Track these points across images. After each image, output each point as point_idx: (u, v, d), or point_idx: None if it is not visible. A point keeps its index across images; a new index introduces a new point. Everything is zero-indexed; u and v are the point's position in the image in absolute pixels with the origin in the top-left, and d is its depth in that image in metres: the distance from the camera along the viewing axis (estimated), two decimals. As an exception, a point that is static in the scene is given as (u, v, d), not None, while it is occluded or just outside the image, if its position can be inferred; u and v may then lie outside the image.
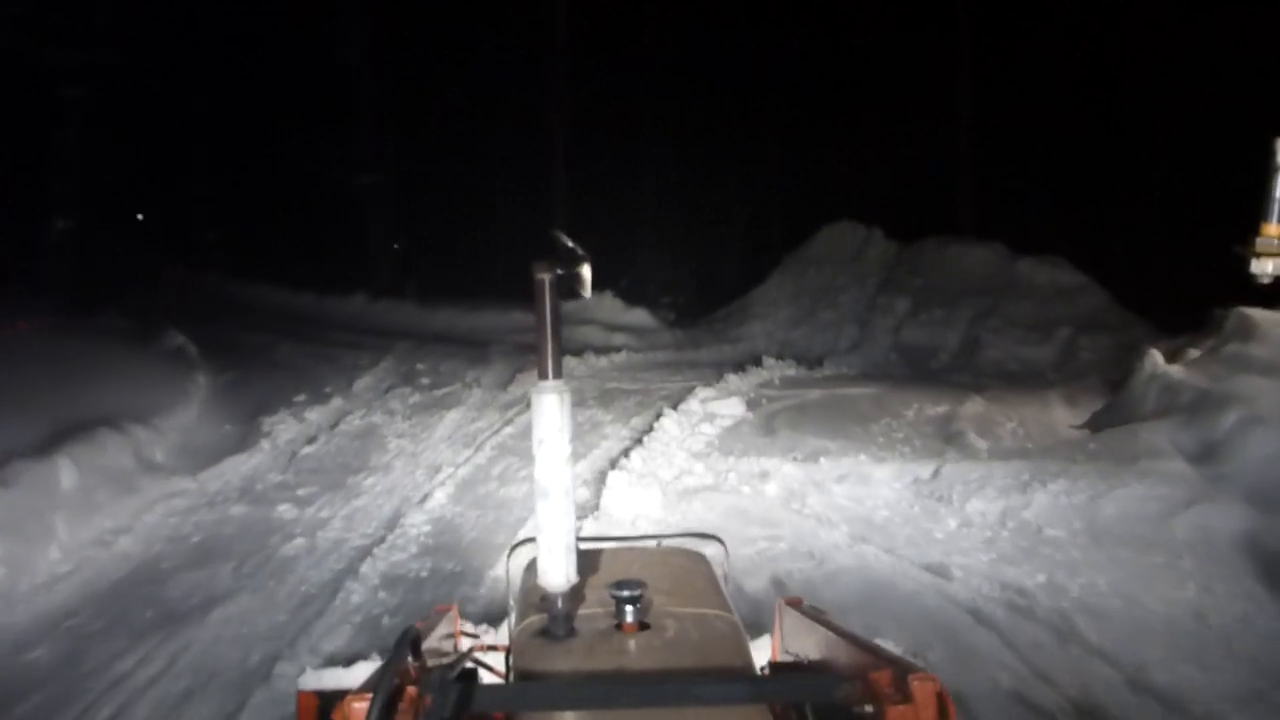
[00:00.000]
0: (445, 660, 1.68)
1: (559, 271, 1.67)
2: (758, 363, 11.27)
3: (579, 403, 9.12)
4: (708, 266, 16.83)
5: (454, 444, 7.80)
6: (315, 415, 8.73)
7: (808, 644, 1.81)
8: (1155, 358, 7.80)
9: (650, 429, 7.68)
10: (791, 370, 10.54)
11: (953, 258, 13.91)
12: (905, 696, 1.22)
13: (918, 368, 12.12)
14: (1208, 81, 13.26)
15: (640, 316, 13.53)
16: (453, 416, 8.62)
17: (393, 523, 5.99)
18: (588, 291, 1.75)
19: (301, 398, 9.37)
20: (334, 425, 8.51)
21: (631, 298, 14.46)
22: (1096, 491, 5.86)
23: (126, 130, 17.52)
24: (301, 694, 1.73)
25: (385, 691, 1.15)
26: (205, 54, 17.36)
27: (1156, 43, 13.77)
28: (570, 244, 1.78)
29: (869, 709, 1.27)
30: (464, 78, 16.22)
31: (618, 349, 11.70)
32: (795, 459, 6.83)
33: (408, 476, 6.99)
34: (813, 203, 15.91)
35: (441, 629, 1.88)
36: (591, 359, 11.10)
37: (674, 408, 8.37)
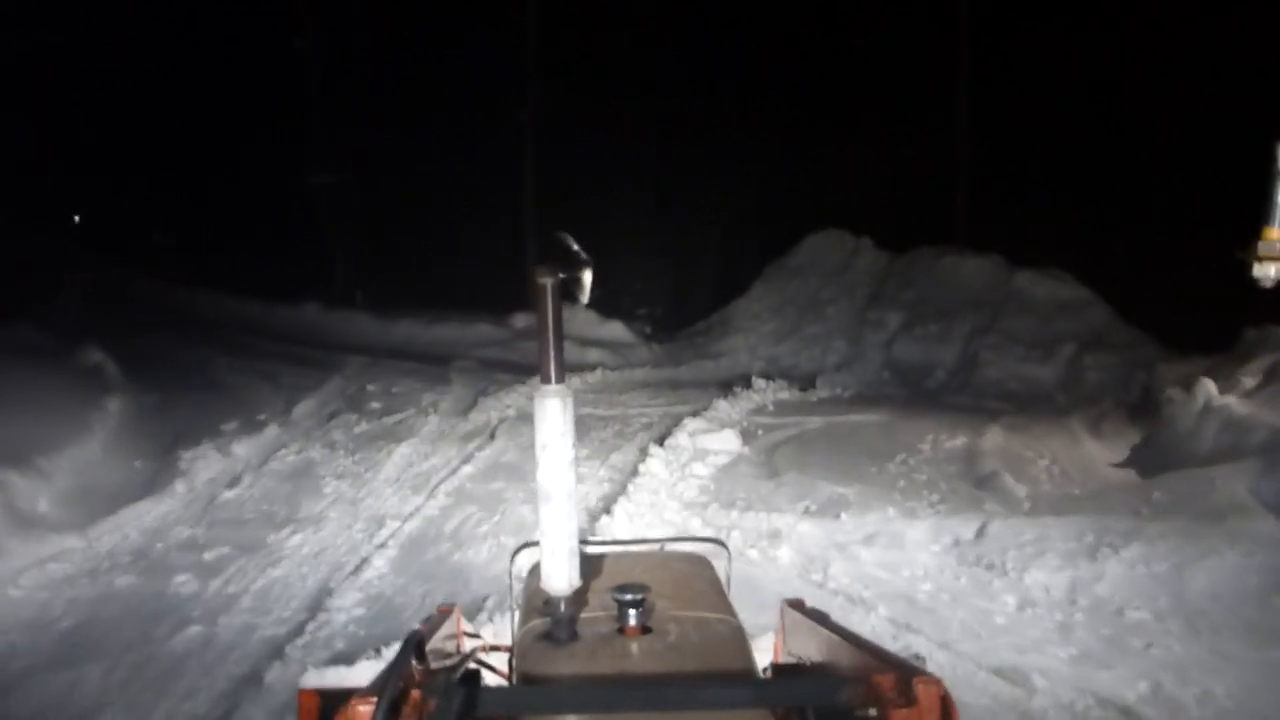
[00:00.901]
0: (449, 662, 1.70)
1: (561, 275, 1.62)
2: (746, 383, 10.10)
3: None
4: (685, 276, 15.62)
5: (402, 488, 6.50)
6: (244, 449, 7.38)
7: (810, 646, 1.76)
8: (1208, 388, 6.73)
9: (634, 471, 6.45)
10: (785, 393, 9.37)
11: (947, 269, 12.83)
12: (909, 700, 1.19)
13: (914, 387, 11.03)
14: (1209, 84, 12.32)
15: (616, 330, 12.29)
16: (403, 451, 7.31)
17: (317, 603, 4.70)
18: (586, 297, 1.69)
19: (231, 425, 8.01)
20: (264, 462, 7.16)
21: (606, 309, 13.22)
22: (1181, 559, 4.73)
23: (60, 125, 15.99)
24: (303, 693, 1.63)
25: (389, 696, 1.13)
26: (147, 42, 15.81)
27: (1157, 44, 12.80)
28: (574, 247, 1.70)
29: (872, 713, 1.24)
30: (429, 74, 14.87)
31: (592, 367, 10.45)
32: (810, 512, 5.63)
33: (343, 533, 5.68)
34: (797, 209, 14.77)
35: (444, 630, 1.80)
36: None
37: (659, 442, 7.15)
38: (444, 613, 1.97)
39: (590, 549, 1.88)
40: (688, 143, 15.02)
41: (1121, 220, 13.10)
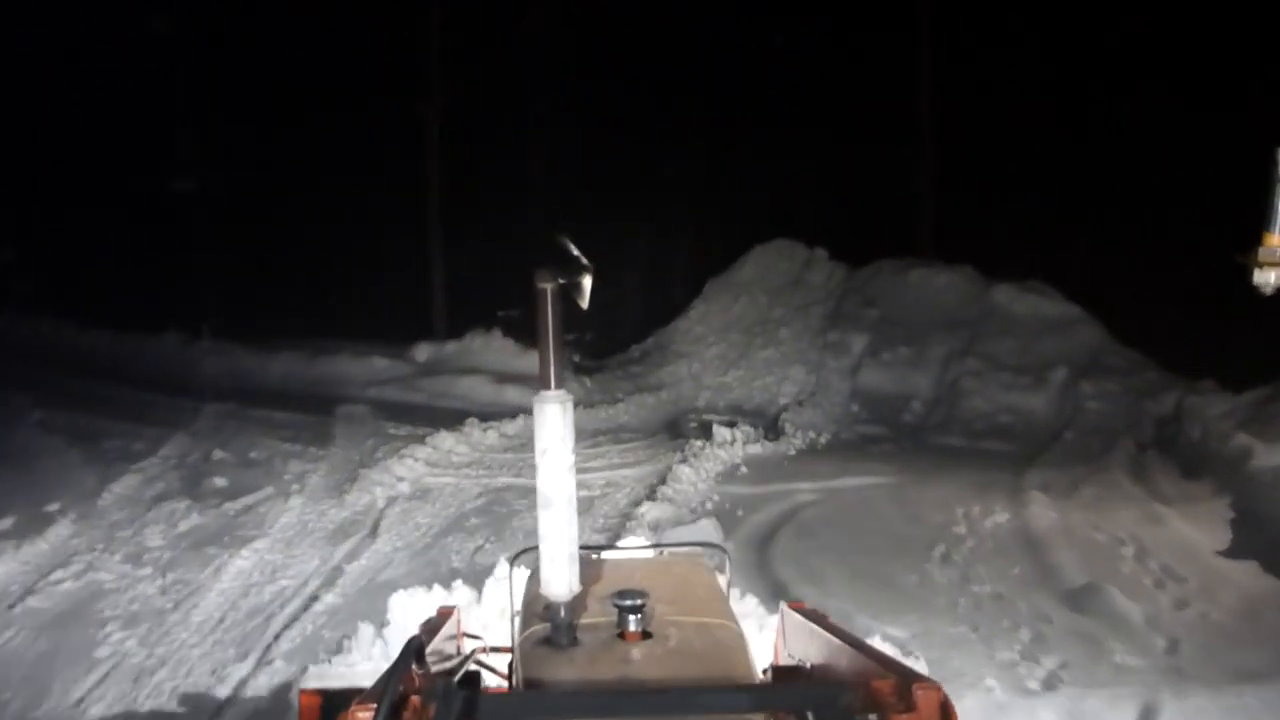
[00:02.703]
0: (449, 664, 1.66)
1: (560, 280, 1.54)
2: (701, 428, 8.01)
3: (446, 529, 5.54)
4: (614, 294, 13.39)
5: (222, 642, 4.11)
6: (4, 567, 4.89)
7: (810, 648, 1.71)
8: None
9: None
10: (755, 446, 7.24)
11: (915, 284, 10.97)
12: (908, 705, 1.15)
13: (890, 423, 9.11)
14: (1195, 86, 10.84)
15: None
16: (240, 566, 4.91)
17: None
18: (586, 302, 1.59)
19: (6, 524, 5.49)
20: (28, 591, 4.67)
21: (526, 335, 10.93)
22: None
23: None
24: (303, 693, 1.63)
25: (389, 701, 1.10)
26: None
27: (1133, 44, 11.25)
28: (575, 251, 1.58)
29: (872, 717, 1.20)
30: (313, 61, 12.31)
31: (511, 413, 8.14)
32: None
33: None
34: (738, 217, 12.75)
35: (445, 632, 1.73)
36: (475, 431, 7.50)
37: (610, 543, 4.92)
38: (444, 614, 1.87)
39: (590, 554, 1.83)
40: (611, 140, 12.82)
41: (1095, 231, 11.47)
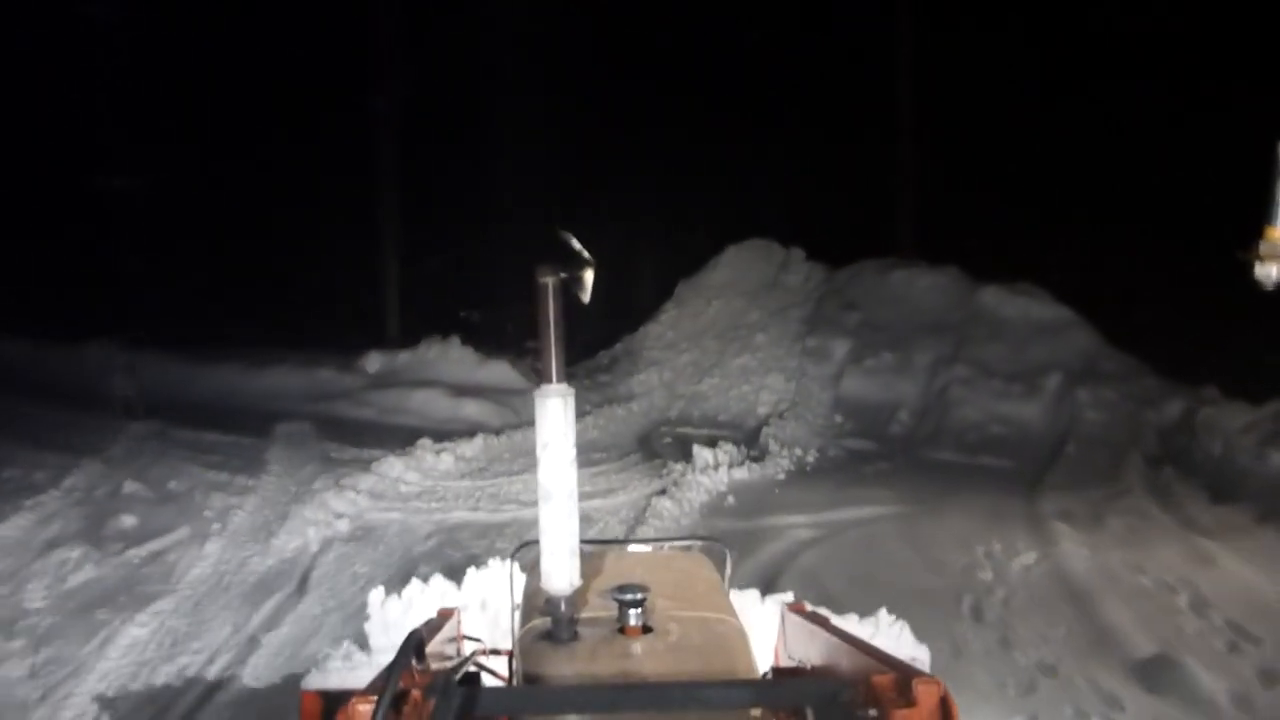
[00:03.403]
0: (449, 664, 1.58)
1: (562, 275, 1.54)
2: (679, 445, 7.23)
3: (389, 581, 4.66)
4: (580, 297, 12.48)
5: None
6: None
7: (810, 649, 1.68)
8: None
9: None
10: (742, 470, 6.43)
11: (898, 285, 10.29)
12: (909, 700, 1.13)
13: (876, 434, 8.42)
14: (1163, 86, 10.31)
15: (500, 373, 9.08)
16: (134, 636, 3.98)
17: None
18: (587, 296, 1.59)
19: None
20: None
21: (485, 341, 10.05)
22: None
23: None
24: (305, 693, 1.61)
25: (389, 695, 1.07)
26: None
27: (1120, 33, 10.67)
28: (576, 246, 1.59)
29: (872, 713, 1.18)
30: (260, 52, 11.29)
31: (469, 432, 7.25)
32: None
33: None
34: (710, 216, 11.97)
35: (445, 633, 1.68)
36: (427, 455, 6.60)
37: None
38: (444, 615, 1.82)
39: (591, 549, 1.78)
40: (576, 136, 11.96)
41: (1084, 230, 10.87)
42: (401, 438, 7.15)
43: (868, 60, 11.27)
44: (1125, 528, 5.18)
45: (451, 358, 9.22)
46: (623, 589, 1.54)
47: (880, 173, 11.25)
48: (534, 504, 4.80)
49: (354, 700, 1.10)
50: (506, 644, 1.82)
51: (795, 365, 9.82)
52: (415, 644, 1.22)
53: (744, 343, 10.39)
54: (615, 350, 11.09)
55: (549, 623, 1.52)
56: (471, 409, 8.23)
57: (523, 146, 11.67)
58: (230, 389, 9.26)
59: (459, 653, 1.83)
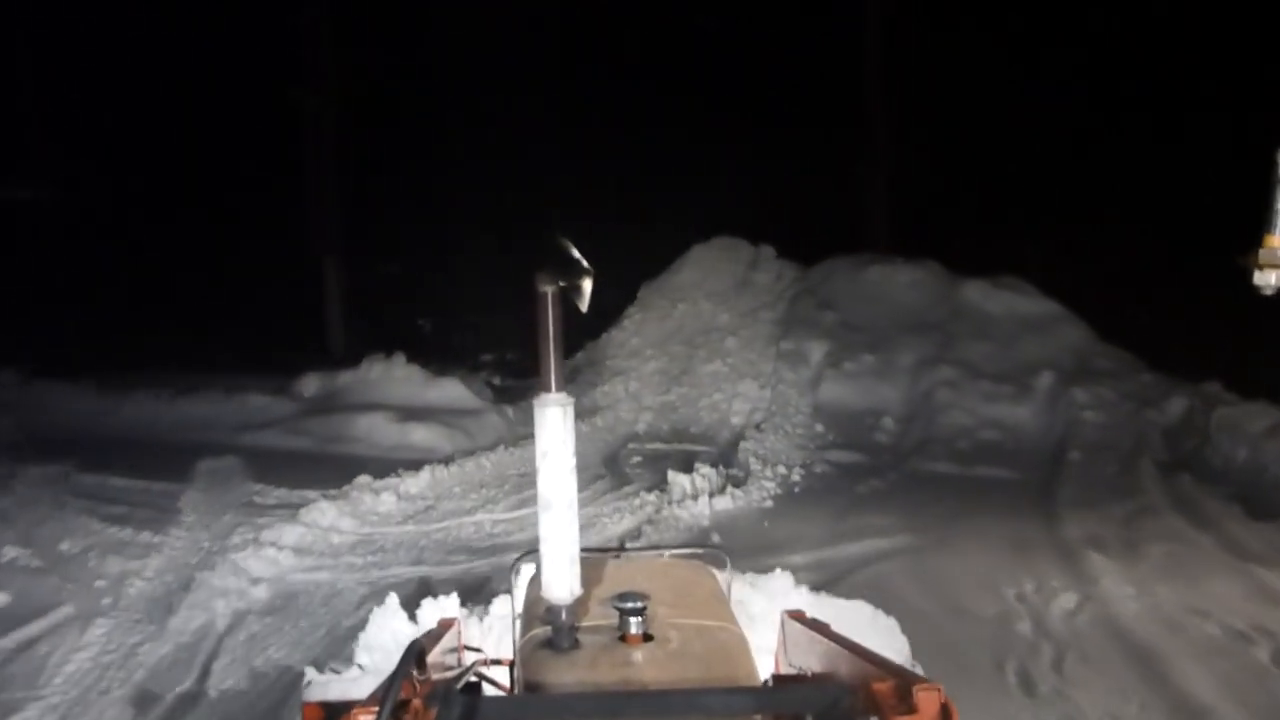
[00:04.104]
0: (449, 674, 1.61)
1: (560, 284, 1.52)
2: (655, 471, 6.45)
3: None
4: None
5: None
6: None
7: (810, 656, 1.65)
8: None
9: None
10: (725, 499, 5.65)
11: (875, 282, 9.61)
12: (909, 707, 1.11)
13: (862, 445, 7.71)
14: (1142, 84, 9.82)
15: (453, 391, 8.19)
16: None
17: None
18: (585, 305, 1.55)
19: None
20: None
21: (435, 355, 9.14)
22: None
23: None
24: (306, 705, 1.46)
25: (390, 704, 1.06)
26: None
27: (1092, 33, 10.14)
28: (575, 254, 1.55)
29: (873, 719, 1.16)
30: (182, 44, 10.24)
31: (414, 463, 6.39)
32: None
33: None
34: (675, 213, 11.18)
35: (445, 643, 1.66)
36: (365, 496, 5.72)
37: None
38: (445, 625, 1.80)
39: (591, 557, 1.75)
40: (530, 132, 11.10)
41: (1063, 221, 10.32)
42: (340, 471, 6.27)
43: (838, 51, 10.58)
44: (1165, 555, 4.50)
45: (396, 377, 8.32)
46: (623, 597, 1.53)
47: (849, 166, 10.55)
48: (488, 553, 3.94)
49: (355, 710, 1.11)
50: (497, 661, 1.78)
51: (769, 370, 9.09)
52: (416, 653, 1.20)
53: (713, 348, 9.63)
54: (577, 359, 10.25)
55: (550, 631, 1.51)
56: (419, 434, 7.35)
57: (473, 147, 10.79)
58: (150, 420, 8.26)
59: (459, 663, 1.80)
